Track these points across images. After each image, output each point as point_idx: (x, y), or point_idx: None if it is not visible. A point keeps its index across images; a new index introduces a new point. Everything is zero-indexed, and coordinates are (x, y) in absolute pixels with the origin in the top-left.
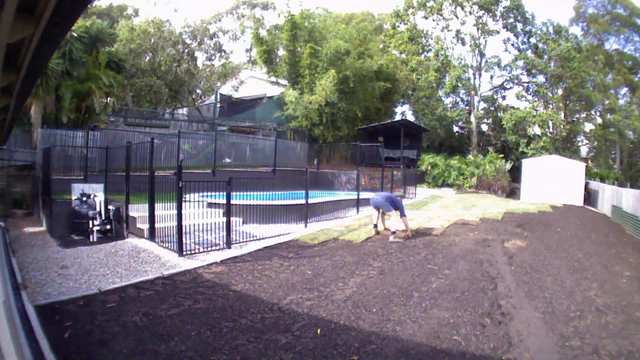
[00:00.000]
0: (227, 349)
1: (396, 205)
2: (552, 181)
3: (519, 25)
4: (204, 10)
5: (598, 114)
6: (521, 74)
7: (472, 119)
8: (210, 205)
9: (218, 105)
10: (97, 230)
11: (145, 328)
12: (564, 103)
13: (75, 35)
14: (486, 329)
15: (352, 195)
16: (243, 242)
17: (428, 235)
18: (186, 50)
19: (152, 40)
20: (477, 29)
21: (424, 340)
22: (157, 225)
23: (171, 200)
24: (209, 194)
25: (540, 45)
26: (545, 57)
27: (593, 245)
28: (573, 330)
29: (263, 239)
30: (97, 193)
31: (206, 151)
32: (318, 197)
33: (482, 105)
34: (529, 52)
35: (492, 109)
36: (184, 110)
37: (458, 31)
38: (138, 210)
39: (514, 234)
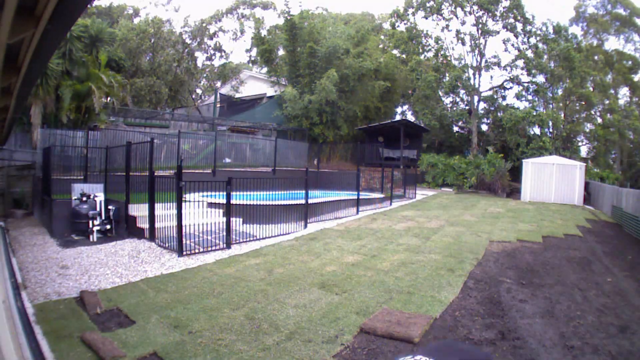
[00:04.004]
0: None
1: None
2: (552, 181)
3: (519, 25)
4: (204, 10)
5: (598, 114)
6: (521, 74)
7: (472, 119)
8: (210, 205)
9: (218, 105)
10: (97, 230)
11: None
12: (564, 103)
13: (75, 35)
14: None
15: (352, 196)
16: (243, 242)
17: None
18: (186, 50)
19: (152, 40)
20: (477, 29)
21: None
22: (157, 225)
23: (171, 200)
24: (209, 194)
25: (540, 45)
26: (545, 57)
27: (593, 244)
28: (573, 329)
29: (263, 239)
30: (97, 193)
31: (206, 151)
32: (318, 197)
33: (482, 105)
34: (529, 52)
35: (492, 109)
36: (184, 110)
37: (458, 31)
38: (138, 210)
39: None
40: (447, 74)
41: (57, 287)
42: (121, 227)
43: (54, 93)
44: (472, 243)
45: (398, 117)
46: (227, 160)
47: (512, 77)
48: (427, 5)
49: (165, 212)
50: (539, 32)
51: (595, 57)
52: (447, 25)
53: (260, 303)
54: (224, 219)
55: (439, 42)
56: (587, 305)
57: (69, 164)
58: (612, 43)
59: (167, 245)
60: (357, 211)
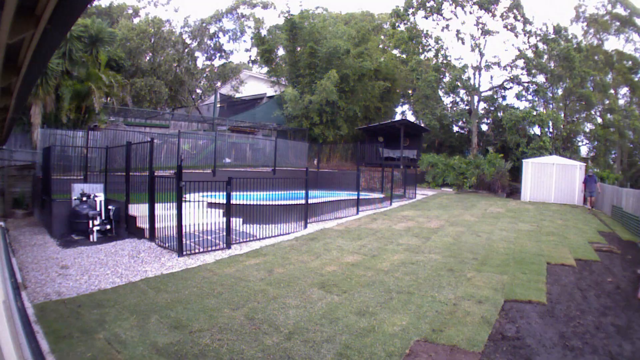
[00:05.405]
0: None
1: None
2: (552, 181)
3: (519, 25)
4: (204, 10)
5: (598, 114)
6: (521, 74)
7: (472, 119)
8: (210, 205)
9: (218, 105)
10: (97, 230)
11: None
12: (564, 103)
13: (75, 35)
14: None
15: (352, 196)
16: (243, 242)
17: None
18: (186, 50)
19: (152, 40)
20: (477, 29)
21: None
22: (157, 225)
23: (171, 200)
24: (209, 194)
25: (540, 45)
26: (545, 57)
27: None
28: (573, 330)
29: (263, 239)
30: (97, 193)
31: (206, 151)
32: (318, 197)
33: (482, 105)
34: (529, 52)
35: (492, 109)
36: (184, 110)
37: (458, 31)
38: (138, 210)
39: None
40: (447, 74)
41: (57, 287)
42: (121, 227)
43: (54, 93)
44: (472, 243)
45: (398, 117)
46: (227, 160)
47: (512, 77)
48: (427, 5)
49: (165, 212)
50: (539, 32)
51: (595, 57)
52: (447, 25)
53: (260, 303)
54: (224, 219)
55: (439, 42)
56: (586, 305)
57: (69, 164)
58: (612, 43)
59: (167, 245)
60: (357, 211)
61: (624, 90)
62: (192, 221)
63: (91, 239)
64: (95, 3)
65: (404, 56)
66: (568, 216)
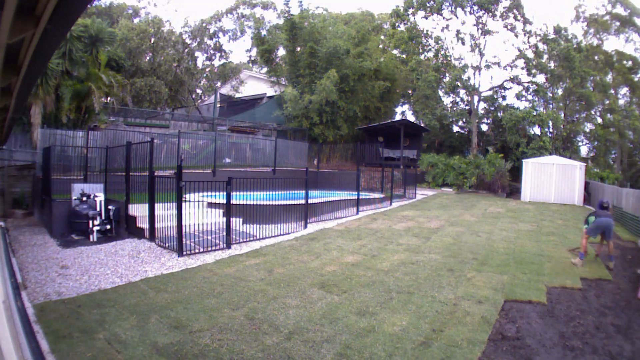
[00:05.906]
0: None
1: None
2: (552, 181)
3: (519, 25)
4: (204, 10)
5: (598, 114)
6: (521, 74)
7: (472, 119)
8: (210, 205)
9: (218, 105)
10: (97, 230)
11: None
12: (564, 103)
13: (75, 35)
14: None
15: (352, 196)
16: (243, 242)
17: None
18: (186, 50)
19: (152, 40)
20: (477, 29)
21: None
22: (157, 225)
23: (171, 200)
24: (209, 194)
25: (540, 45)
26: (545, 57)
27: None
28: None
29: (263, 239)
30: (97, 193)
31: (206, 151)
32: (318, 197)
33: (482, 105)
34: (529, 52)
35: (492, 109)
36: (184, 110)
37: (458, 31)
38: (138, 210)
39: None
40: (447, 74)
41: (57, 287)
42: (121, 227)
43: (54, 93)
44: (472, 243)
45: (398, 117)
46: (227, 160)
47: (512, 77)
48: (427, 5)
49: (165, 212)
50: (539, 32)
51: (595, 57)
52: (447, 25)
53: (260, 303)
54: (224, 219)
55: (439, 42)
56: (586, 305)
57: (69, 164)
58: (612, 43)
59: (167, 245)
60: (357, 211)
61: (624, 90)
62: (192, 221)
63: (91, 239)
64: (95, 3)
65: (404, 56)
66: (568, 216)
